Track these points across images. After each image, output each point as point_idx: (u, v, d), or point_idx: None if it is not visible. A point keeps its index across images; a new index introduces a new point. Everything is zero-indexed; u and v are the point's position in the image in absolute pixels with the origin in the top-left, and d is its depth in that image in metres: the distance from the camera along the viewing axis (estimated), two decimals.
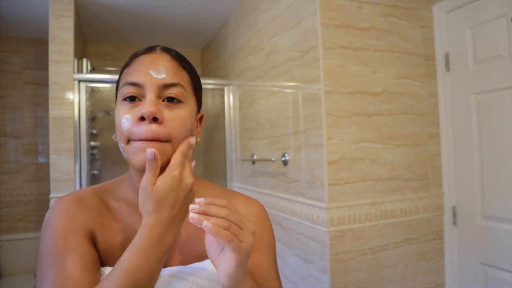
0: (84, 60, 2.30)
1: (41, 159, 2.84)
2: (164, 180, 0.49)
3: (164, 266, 0.57)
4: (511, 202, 1.35)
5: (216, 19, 2.62)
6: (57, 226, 0.53)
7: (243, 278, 0.49)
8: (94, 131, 2.37)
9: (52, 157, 2.04)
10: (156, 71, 0.53)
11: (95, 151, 2.37)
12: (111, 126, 2.57)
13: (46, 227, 0.54)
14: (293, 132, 1.63)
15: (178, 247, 0.59)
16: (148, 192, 0.48)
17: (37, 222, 2.78)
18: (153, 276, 0.48)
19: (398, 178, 1.55)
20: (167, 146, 0.51)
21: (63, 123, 2.07)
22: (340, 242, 1.39)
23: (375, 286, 1.46)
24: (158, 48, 0.57)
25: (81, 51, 2.58)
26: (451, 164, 1.62)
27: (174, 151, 0.52)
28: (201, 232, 0.57)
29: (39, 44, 2.83)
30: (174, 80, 0.54)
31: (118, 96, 0.56)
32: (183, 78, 0.56)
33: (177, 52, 0.59)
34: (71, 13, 2.12)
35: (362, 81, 1.48)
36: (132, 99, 0.53)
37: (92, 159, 2.35)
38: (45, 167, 2.74)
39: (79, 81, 2.17)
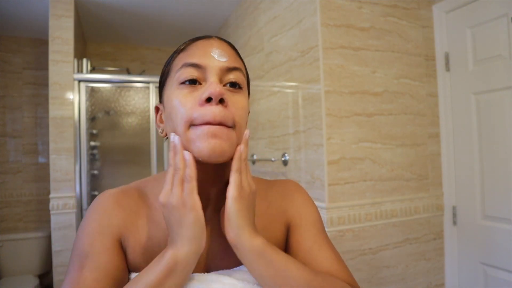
0: (84, 60, 2.30)
1: (41, 159, 2.84)
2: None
3: (209, 271, 0.56)
4: (511, 202, 1.35)
5: (216, 19, 2.62)
6: (90, 225, 0.53)
7: (252, 236, 0.48)
8: (94, 131, 2.37)
9: (52, 157, 2.04)
10: (217, 53, 0.51)
11: (95, 151, 2.37)
12: (111, 126, 2.58)
13: (82, 223, 0.55)
14: (293, 132, 1.63)
15: (223, 250, 0.57)
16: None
17: (37, 222, 2.78)
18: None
19: (398, 178, 1.54)
20: (232, 133, 0.49)
21: (63, 123, 2.07)
22: (340, 242, 1.39)
23: (375, 286, 1.46)
24: (214, 36, 0.56)
25: (81, 51, 2.58)
26: (451, 164, 1.62)
27: (237, 139, 0.50)
28: None
29: (39, 44, 2.83)
30: (236, 64, 0.53)
31: (170, 81, 0.53)
32: (241, 64, 0.55)
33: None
34: (71, 13, 2.12)
35: (362, 81, 1.48)
36: (192, 82, 0.50)
37: (92, 159, 2.35)
38: (45, 167, 2.74)
39: (79, 81, 2.17)
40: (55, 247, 2.02)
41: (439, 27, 1.65)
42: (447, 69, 1.63)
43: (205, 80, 0.51)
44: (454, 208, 1.61)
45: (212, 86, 0.47)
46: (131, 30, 2.79)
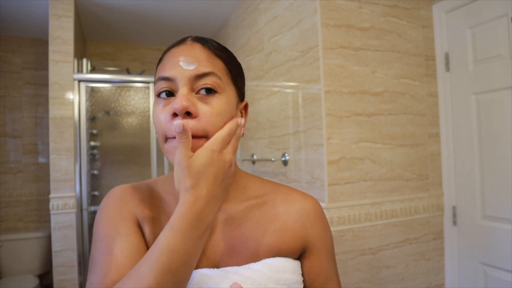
0: (84, 60, 2.30)
1: (41, 159, 2.84)
2: (203, 153, 0.46)
3: (218, 267, 0.55)
4: (511, 202, 1.35)
5: (216, 19, 2.62)
6: (110, 213, 0.55)
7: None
8: (94, 131, 2.37)
9: (52, 157, 2.04)
10: (186, 62, 0.51)
11: (95, 151, 2.37)
12: (111, 126, 2.58)
13: (100, 213, 0.56)
14: (293, 132, 1.63)
15: (232, 247, 0.57)
16: (184, 166, 0.45)
17: (37, 222, 2.78)
18: (192, 257, 0.45)
19: (398, 178, 1.54)
20: (203, 142, 0.49)
21: (63, 123, 2.07)
22: (340, 242, 1.39)
23: (375, 286, 1.46)
24: (189, 38, 0.55)
25: (81, 51, 2.58)
26: (451, 164, 1.62)
27: None
28: (255, 231, 0.57)
29: (39, 44, 2.83)
30: (206, 70, 0.51)
31: (154, 91, 0.55)
32: (216, 66, 0.53)
33: (211, 40, 0.56)
34: (71, 13, 2.12)
35: (362, 81, 1.48)
36: (167, 94, 0.52)
37: (92, 159, 2.35)
38: (45, 167, 2.74)
39: (79, 81, 2.17)
40: (55, 247, 2.02)
41: (439, 27, 1.65)
42: (447, 69, 1.63)
43: (177, 90, 0.51)
44: (454, 208, 1.61)
45: (176, 101, 0.49)
46: (131, 30, 2.79)
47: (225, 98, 0.53)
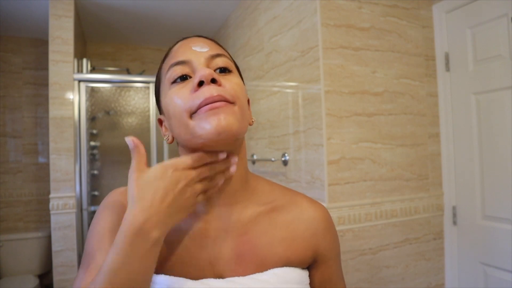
0: (84, 60, 2.30)
1: (41, 159, 2.83)
2: (155, 167, 0.44)
3: (223, 276, 0.52)
4: (511, 202, 1.35)
5: (216, 19, 2.62)
6: (99, 223, 0.53)
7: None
8: (94, 131, 2.37)
9: (52, 157, 2.04)
10: (199, 46, 0.52)
11: (95, 151, 2.37)
12: (111, 126, 2.58)
13: (93, 220, 0.55)
14: (293, 132, 1.63)
15: (240, 255, 0.53)
16: (133, 178, 0.44)
17: (37, 222, 2.78)
18: (138, 276, 0.42)
19: (398, 178, 1.54)
20: (234, 107, 0.47)
21: (63, 123, 2.07)
22: (340, 242, 1.39)
23: (375, 286, 1.46)
24: (192, 35, 0.57)
25: (81, 51, 2.58)
26: (451, 164, 1.62)
27: (241, 117, 0.48)
28: (264, 238, 0.54)
29: (39, 44, 2.83)
30: (219, 51, 0.53)
31: (164, 87, 0.53)
32: (225, 52, 0.56)
33: None
34: (71, 13, 2.12)
35: (362, 81, 1.48)
36: (182, 78, 0.50)
37: (92, 159, 2.35)
38: (45, 167, 2.74)
39: (79, 81, 2.17)
40: (55, 247, 2.02)
41: (439, 27, 1.65)
42: (447, 69, 1.63)
43: (193, 73, 0.51)
44: (454, 208, 1.61)
45: (200, 71, 0.48)
46: (131, 30, 2.79)
47: (238, 76, 0.55)
